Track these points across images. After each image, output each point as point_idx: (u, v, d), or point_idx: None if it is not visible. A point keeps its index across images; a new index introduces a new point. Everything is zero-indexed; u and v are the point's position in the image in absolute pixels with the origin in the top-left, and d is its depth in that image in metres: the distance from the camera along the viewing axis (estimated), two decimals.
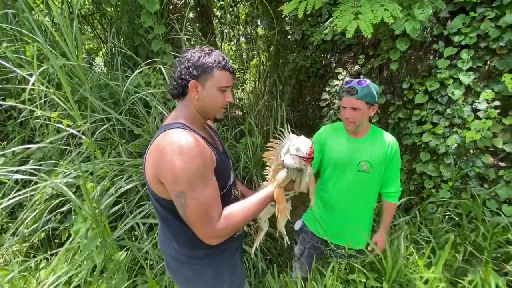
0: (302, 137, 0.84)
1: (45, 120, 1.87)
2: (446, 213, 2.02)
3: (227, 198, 0.93)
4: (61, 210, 1.60)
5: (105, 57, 3.49)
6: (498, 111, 1.88)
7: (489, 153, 2.00)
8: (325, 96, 2.69)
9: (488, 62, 1.96)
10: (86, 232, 1.19)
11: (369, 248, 1.38)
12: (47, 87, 1.78)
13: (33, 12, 2.35)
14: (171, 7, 3.53)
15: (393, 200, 1.39)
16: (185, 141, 0.76)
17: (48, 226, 1.70)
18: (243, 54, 4.48)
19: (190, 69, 0.85)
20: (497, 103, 1.90)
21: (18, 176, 1.55)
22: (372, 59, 2.38)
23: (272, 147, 0.95)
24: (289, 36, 3.29)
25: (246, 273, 1.80)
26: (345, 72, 2.55)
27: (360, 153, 1.28)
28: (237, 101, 3.95)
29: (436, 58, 2.17)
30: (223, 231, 0.80)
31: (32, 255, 1.80)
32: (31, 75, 1.78)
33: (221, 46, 4.66)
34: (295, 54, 3.31)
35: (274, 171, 0.94)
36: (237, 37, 4.66)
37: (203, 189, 0.77)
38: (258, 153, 2.18)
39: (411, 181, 2.34)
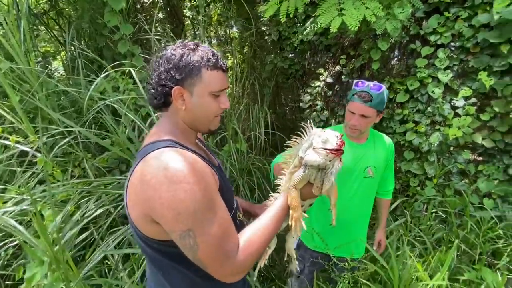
0: (329, 129, 0.71)
1: None
2: (433, 211, 2.03)
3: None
4: (13, 243, 1.32)
5: (64, 61, 3.14)
6: (475, 107, 1.94)
7: (469, 149, 2.06)
8: (306, 97, 2.63)
9: (463, 61, 2.01)
10: (45, 277, 0.96)
11: (375, 247, 1.33)
12: None
13: None
14: (138, 6, 3.28)
15: (389, 196, 1.40)
16: (181, 164, 0.60)
17: None
18: None
19: (172, 72, 0.67)
20: (474, 100, 1.96)
21: None
22: (353, 59, 2.36)
23: (290, 146, 0.81)
24: (266, 37, 3.20)
25: None
26: (326, 72, 2.51)
27: (365, 158, 1.20)
28: None
29: (414, 58, 2.20)
30: (244, 264, 0.64)
31: None
32: None
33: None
34: (272, 55, 3.23)
35: (289, 174, 0.78)
36: (210, 39, 4.49)
37: (214, 221, 0.61)
38: (243, 160, 2.04)
39: (396, 180, 2.35)
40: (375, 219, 1.83)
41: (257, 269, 0.94)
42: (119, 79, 1.92)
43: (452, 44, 2.02)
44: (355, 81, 1.22)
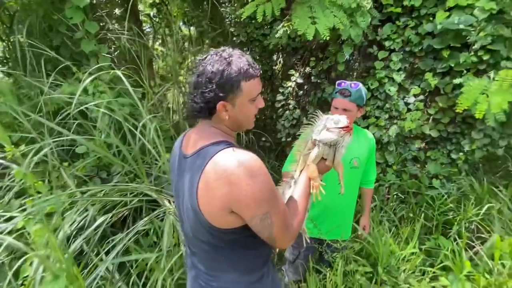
0: (336, 114, 0.88)
1: None
2: (394, 193, 2.35)
3: None
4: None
5: (7, 60, 2.76)
6: (423, 103, 2.29)
7: (419, 138, 2.42)
8: (279, 97, 2.77)
9: (412, 63, 2.35)
10: None
11: (358, 233, 1.50)
12: None
13: None
14: (94, 1, 3.03)
15: (372, 185, 1.56)
16: (253, 161, 0.70)
17: None
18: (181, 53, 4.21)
19: (216, 91, 0.73)
20: (422, 97, 2.31)
21: None
22: (321, 61, 2.57)
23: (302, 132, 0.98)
24: (234, 38, 3.25)
25: None
26: (297, 74, 2.67)
27: (350, 151, 1.35)
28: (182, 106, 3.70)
29: (373, 61, 2.49)
30: (297, 230, 0.79)
31: None
32: None
33: (153, 47, 4.28)
34: None
35: (304, 156, 0.94)
36: (171, 37, 4.36)
37: (278, 201, 0.74)
38: None
39: None
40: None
41: (305, 236, 1.08)
42: (94, 83, 1.79)
43: (403, 49, 2.34)
44: (337, 82, 1.40)
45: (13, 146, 1.17)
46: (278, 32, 2.30)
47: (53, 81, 2.03)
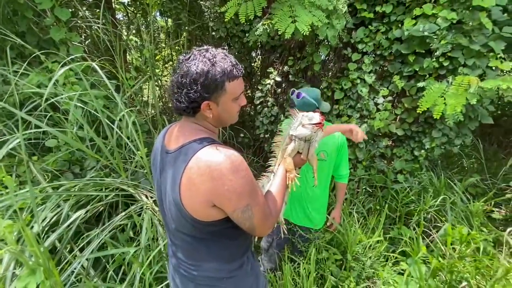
0: (310, 112, 0.95)
1: None
2: (364, 187, 2.51)
3: None
4: None
5: None
6: (391, 104, 2.46)
7: (386, 136, 2.60)
8: (258, 94, 2.82)
9: (382, 66, 2.51)
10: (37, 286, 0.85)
11: (328, 224, 1.61)
12: None
13: None
14: None
15: (344, 180, 1.67)
16: (234, 157, 0.74)
17: None
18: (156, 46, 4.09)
19: (200, 91, 0.76)
20: (390, 98, 2.48)
21: None
22: (299, 61, 2.65)
23: (281, 131, 1.04)
24: (213, 33, 3.23)
25: None
26: (276, 72, 2.73)
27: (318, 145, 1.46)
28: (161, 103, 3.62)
29: (346, 62, 2.62)
30: (276, 218, 0.85)
31: None
32: None
33: (127, 38, 4.11)
34: None
35: (282, 151, 1.00)
36: (146, 28, 4.21)
37: (258, 193, 0.79)
38: None
39: None
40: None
41: (283, 227, 1.15)
42: (67, 73, 1.71)
43: (374, 52, 2.49)
44: (290, 90, 1.52)
45: None
46: (258, 29, 2.35)
47: (18, 69, 1.91)
